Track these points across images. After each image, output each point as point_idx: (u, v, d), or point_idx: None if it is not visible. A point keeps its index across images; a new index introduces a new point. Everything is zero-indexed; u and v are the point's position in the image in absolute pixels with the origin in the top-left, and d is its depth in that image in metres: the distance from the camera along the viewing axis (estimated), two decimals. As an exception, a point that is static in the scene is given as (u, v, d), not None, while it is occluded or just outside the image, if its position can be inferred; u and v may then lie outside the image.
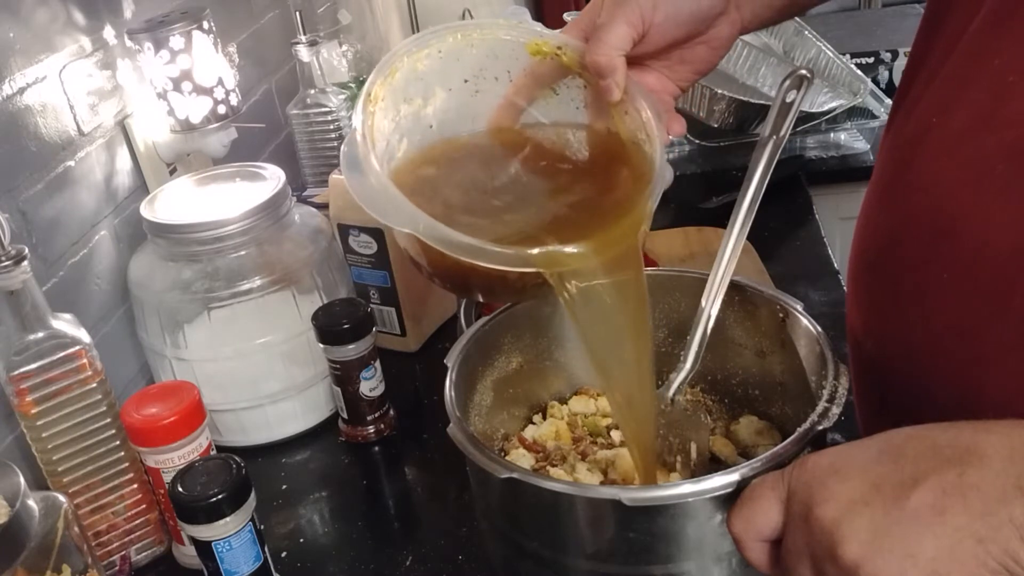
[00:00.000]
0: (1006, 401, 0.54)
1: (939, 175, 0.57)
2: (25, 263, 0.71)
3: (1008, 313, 0.53)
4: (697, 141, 1.48)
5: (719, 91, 1.24)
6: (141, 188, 1.04)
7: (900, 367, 0.62)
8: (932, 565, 0.40)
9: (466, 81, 0.70)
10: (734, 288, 0.69)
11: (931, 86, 0.60)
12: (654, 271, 0.77)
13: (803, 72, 0.66)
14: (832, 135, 1.47)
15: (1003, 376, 0.54)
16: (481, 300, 0.87)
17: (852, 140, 1.47)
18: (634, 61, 0.66)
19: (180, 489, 0.67)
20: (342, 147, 0.61)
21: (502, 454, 0.72)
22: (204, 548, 0.68)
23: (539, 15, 2.18)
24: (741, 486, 0.51)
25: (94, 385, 0.76)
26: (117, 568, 0.80)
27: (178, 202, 0.94)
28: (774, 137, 0.66)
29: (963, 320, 0.56)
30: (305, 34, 1.28)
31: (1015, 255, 0.52)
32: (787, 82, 0.66)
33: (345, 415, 0.93)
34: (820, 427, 0.56)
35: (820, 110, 1.38)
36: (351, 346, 0.88)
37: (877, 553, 0.41)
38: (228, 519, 0.67)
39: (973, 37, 0.56)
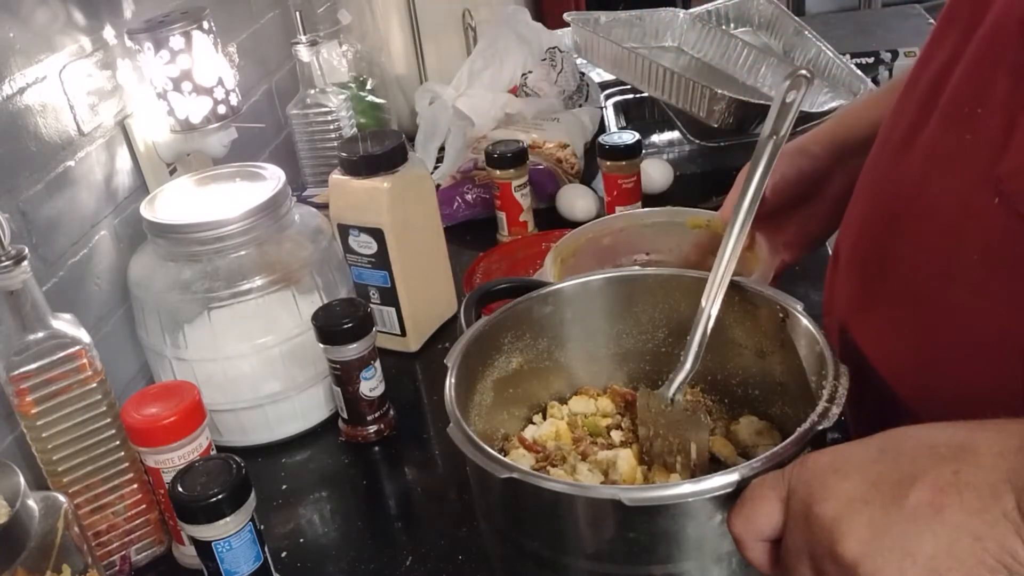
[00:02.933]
0: (960, 360, 0.56)
1: (898, 169, 0.62)
2: (25, 263, 0.71)
3: (954, 276, 0.55)
4: (697, 141, 1.47)
5: (719, 91, 1.24)
6: (141, 188, 1.04)
7: (879, 348, 0.64)
8: (931, 563, 0.40)
9: (648, 254, 0.93)
10: (734, 288, 0.69)
11: (900, 94, 0.65)
12: (654, 271, 0.77)
13: (803, 72, 0.66)
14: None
15: (955, 338, 0.56)
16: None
17: (852, 140, 1.46)
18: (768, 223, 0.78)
19: (180, 489, 0.67)
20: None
21: (502, 454, 0.73)
22: (204, 548, 0.68)
23: (539, 15, 2.18)
24: (741, 486, 0.51)
25: (94, 385, 0.76)
26: (117, 568, 0.80)
27: (178, 202, 0.94)
28: (774, 137, 0.66)
29: (917, 286, 0.59)
30: (305, 34, 1.28)
31: (958, 220, 0.55)
32: (787, 82, 0.66)
33: (345, 415, 0.93)
34: (820, 427, 0.56)
35: (820, 110, 1.37)
36: (351, 346, 0.88)
37: (876, 551, 0.41)
38: (228, 519, 0.67)
39: (925, 45, 0.62)
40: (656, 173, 1.32)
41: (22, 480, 0.58)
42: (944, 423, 0.45)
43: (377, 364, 0.92)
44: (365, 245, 1.02)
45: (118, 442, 0.78)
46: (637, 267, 0.86)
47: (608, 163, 1.20)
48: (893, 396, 0.61)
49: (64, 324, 0.75)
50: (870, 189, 0.67)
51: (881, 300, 0.64)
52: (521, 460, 0.71)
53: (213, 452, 0.78)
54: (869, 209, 0.66)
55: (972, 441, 0.42)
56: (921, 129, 0.59)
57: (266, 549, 0.71)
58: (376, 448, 0.94)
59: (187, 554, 0.80)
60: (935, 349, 0.58)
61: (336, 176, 1.02)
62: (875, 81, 1.57)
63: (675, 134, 1.52)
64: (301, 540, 0.83)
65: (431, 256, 1.09)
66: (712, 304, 0.66)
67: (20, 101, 0.86)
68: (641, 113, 1.61)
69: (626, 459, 0.70)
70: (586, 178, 1.41)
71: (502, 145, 1.23)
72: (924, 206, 0.59)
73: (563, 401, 0.79)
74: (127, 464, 0.79)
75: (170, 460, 0.75)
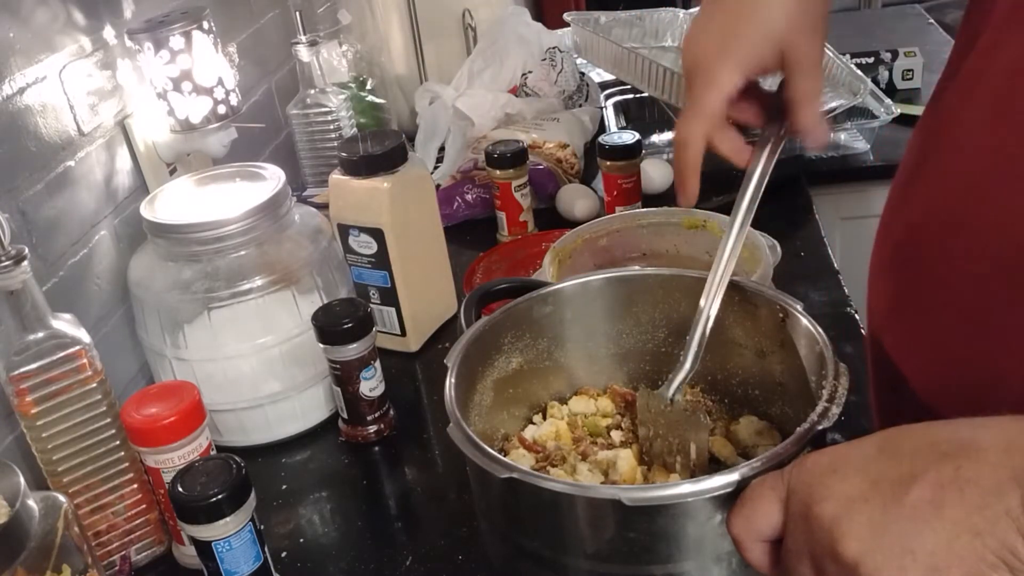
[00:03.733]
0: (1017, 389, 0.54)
1: (956, 168, 0.58)
2: (25, 263, 0.71)
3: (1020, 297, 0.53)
4: (697, 141, 1.47)
5: (719, 91, 1.24)
6: (141, 188, 1.04)
7: (917, 362, 0.63)
8: (931, 560, 0.40)
9: (644, 254, 0.96)
10: (734, 288, 0.69)
11: (952, 81, 0.61)
12: (654, 271, 0.77)
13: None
14: (832, 135, 1.47)
15: (1022, 365, 0.54)
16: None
17: (852, 140, 1.46)
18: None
19: (180, 489, 0.67)
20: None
21: (502, 454, 0.73)
22: (204, 548, 0.68)
23: (539, 15, 2.18)
24: (741, 486, 0.51)
25: (94, 385, 0.76)
26: (117, 568, 0.80)
27: (178, 202, 0.94)
28: (772, 138, 0.66)
29: (980, 308, 0.56)
30: (305, 34, 1.28)
31: None
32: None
33: (345, 415, 0.93)
34: (820, 427, 0.56)
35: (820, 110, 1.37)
36: (351, 346, 0.88)
37: (877, 549, 0.41)
38: (228, 519, 0.67)
39: (990, 32, 0.57)
40: (656, 173, 1.32)
41: (22, 480, 0.58)
42: (944, 421, 0.44)
43: (377, 364, 0.92)
44: (365, 245, 1.02)
45: (118, 442, 0.78)
46: (637, 267, 0.86)
47: (608, 163, 1.20)
48: (933, 414, 0.60)
49: (64, 324, 0.75)
50: (921, 188, 0.62)
51: (934, 317, 0.60)
52: (521, 460, 0.71)
53: (213, 452, 0.78)
54: (921, 211, 0.62)
55: (975, 438, 0.42)
56: (993, 132, 0.55)
57: (266, 549, 0.71)
58: (376, 448, 0.94)
59: (187, 554, 0.80)
60: (998, 377, 0.55)
61: (336, 176, 1.02)
62: (875, 81, 1.57)
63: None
64: (301, 540, 0.83)
65: (431, 256, 1.09)
66: (711, 304, 0.66)
67: (20, 101, 0.86)
68: (641, 113, 1.61)
69: (626, 459, 0.70)
70: (586, 178, 1.41)
71: (502, 145, 1.23)
72: (989, 222, 0.55)
73: (563, 401, 0.79)
74: (127, 464, 0.79)
75: (170, 460, 0.75)
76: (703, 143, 0.63)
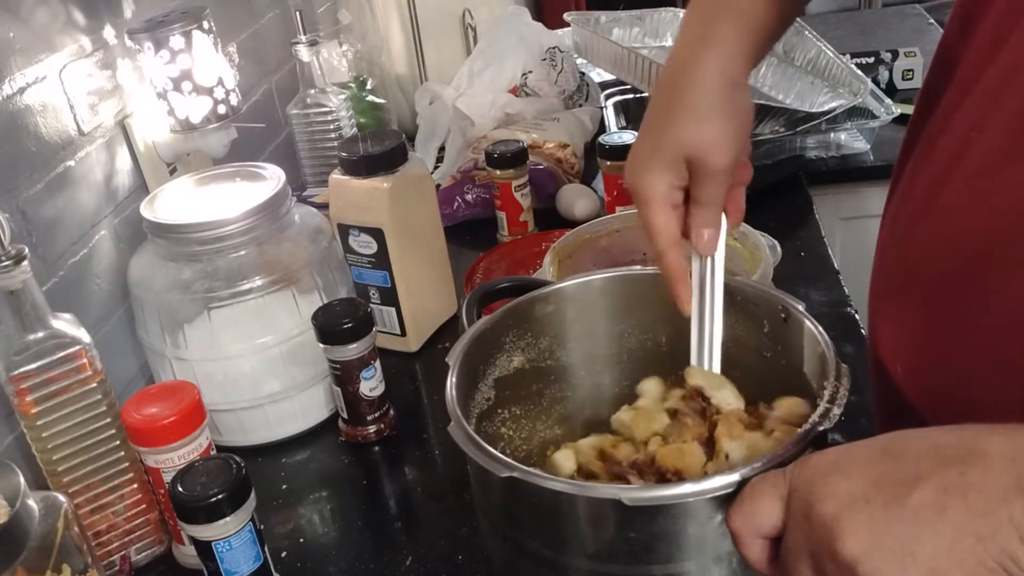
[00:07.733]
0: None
1: (983, 195, 0.55)
2: (25, 263, 0.71)
3: None
4: (697, 141, 1.47)
5: (719, 91, 1.24)
6: (141, 188, 1.04)
7: (936, 400, 0.61)
8: (931, 563, 0.40)
9: (644, 254, 0.94)
10: (734, 288, 0.69)
11: (968, 98, 0.57)
12: (655, 271, 0.76)
13: None
14: (832, 135, 1.46)
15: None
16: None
17: (852, 140, 1.46)
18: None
19: (180, 489, 0.67)
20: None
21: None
22: (204, 548, 0.68)
23: (539, 15, 2.18)
24: (741, 486, 0.51)
25: (94, 385, 0.76)
26: (117, 568, 0.80)
27: (178, 202, 0.94)
28: None
29: (1014, 355, 0.54)
30: (305, 34, 1.28)
31: None
32: None
33: (345, 415, 0.93)
34: (821, 428, 0.56)
35: (820, 110, 1.37)
36: (351, 346, 0.88)
37: (876, 550, 0.41)
38: (228, 519, 0.67)
39: (1013, 48, 0.53)
40: (656, 173, 1.31)
41: (22, 480, 0.58)
42: (950, 426, 0.44)
43: (377, 364, 0.92)
44: (365, 245, 1.02)
45: (118, 442, 0.78)
46: (638, 266, 0.86)
47: (608, 163, 1.20)
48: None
49: (64, 324, 0.75)
50: (940, 213, 0.58)
51: (958, 358, 0.58)
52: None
53: (213, 452, 0.78)
54: (940, 239, 0.58)
55: (981, 444, 0.42)
56: (1016, 160, 0.52)
57: (266, 549, 0.71)
58: (376, 448, 0.94)
59: (187, 554, 0.80)
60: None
61: (336, 176, 1.02)
62: (875, 81, 1.57)
63: (675, 134, 1.52)
64: (301, 540, 0.83)
65: (431, 256, 1.09)
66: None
67: (20, 101, 0.86)
68: (641, 113, 1.61)
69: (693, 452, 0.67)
70: (586, 178, 1.41)
71: (502, 145, 1.23)
72: (1022, 259, 0.52)
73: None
74: (127, 464, 0.79)
75: (170, 460, 0.75)
76: (676, 249, 0.64)
